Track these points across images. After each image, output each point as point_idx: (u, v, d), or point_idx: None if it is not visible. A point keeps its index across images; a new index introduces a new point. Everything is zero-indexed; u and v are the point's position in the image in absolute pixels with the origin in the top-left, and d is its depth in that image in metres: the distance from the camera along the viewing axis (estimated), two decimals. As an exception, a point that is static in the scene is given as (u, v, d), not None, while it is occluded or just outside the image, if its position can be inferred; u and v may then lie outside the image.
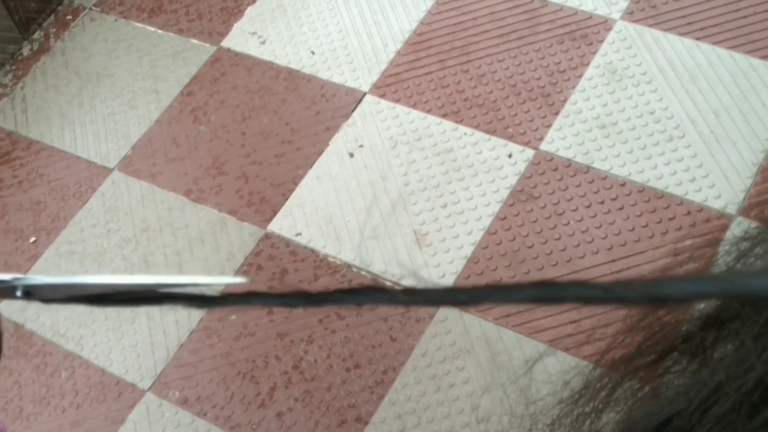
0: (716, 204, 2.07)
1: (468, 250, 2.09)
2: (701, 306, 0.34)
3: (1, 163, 2.44)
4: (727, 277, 0.29)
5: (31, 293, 0.52)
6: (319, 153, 2.31)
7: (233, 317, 2.08)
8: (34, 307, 2.18)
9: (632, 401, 0.36)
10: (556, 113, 2.27)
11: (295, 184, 2.27)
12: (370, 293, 0.34)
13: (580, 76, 2.32)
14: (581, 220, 2.10)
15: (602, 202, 2.11)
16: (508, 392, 1.89)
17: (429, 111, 2.33)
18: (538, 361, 1.90)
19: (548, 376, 1.86)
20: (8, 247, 2.30)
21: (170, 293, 0.43)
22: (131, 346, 2.09)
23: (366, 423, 1.91)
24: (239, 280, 0.48)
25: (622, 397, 0.36)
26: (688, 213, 2.07)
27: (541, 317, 1.97)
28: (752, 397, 0.29)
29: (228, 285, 0.50)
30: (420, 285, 0.32)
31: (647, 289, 0.29)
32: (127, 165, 2.39)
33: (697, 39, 2.33)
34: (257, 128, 2.39)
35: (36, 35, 2.72)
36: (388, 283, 2.07)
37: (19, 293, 0.52)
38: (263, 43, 2.56)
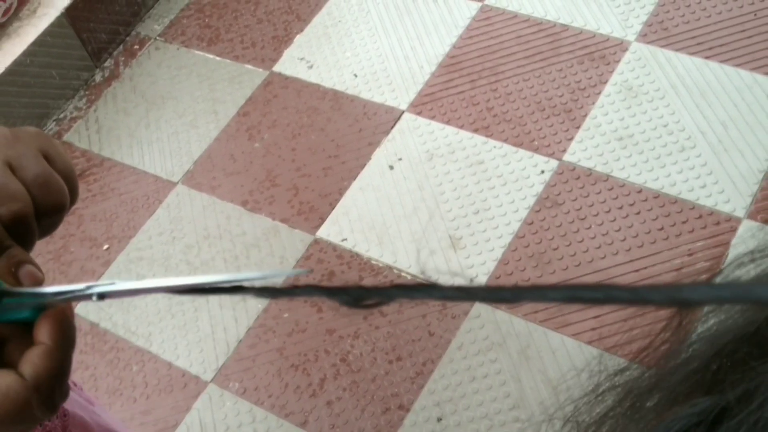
0: (725, 208, 2.06)
1: (498, 253, 2.09)
2: (714, 343, 0.33)
3: (77, 178, 2.46)
4: (743, 284, 0.29)
5: (106, 296, 0.53)
6: (362, 166, 2.32)
7: (286, 315, 2.10)
8: (108, 308, 2.21)
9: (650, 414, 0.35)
10: (578, 127, 2.27)
11: (341, 194, 2.28)
12: (426, 290, 0.34)
13: (599, 93, 2.32)
14: (602, 224, 2.09)
15: (621, 208, 2.11)
16: (537, 383, 1.89)
17: (461, 126, 2.33)
18: (560, 351, 1.90)
19: (574, 368, 1.85)
20: (84, 253, 2.33)
21: (242, 285, 0.43)
22: (195, 342, 2.11)
23: (407, 410, 1.92)
24: (300, 271, 0.48)
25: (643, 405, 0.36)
26: (700, 217, 2.06)
27: (566, 313, 1.97)
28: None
29: (289, 276, 0.51)
30: (467, 284, 0.32)
31: (670, 292, 0.29)
32: (190, 179, 2.41)
33: (706, 58, 2.32)
34: (306, 144, 2.41)
35: (107, 63, 2.75)
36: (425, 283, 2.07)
37: (94, 298, 0.53)
38: (311, 67, 2.58)
